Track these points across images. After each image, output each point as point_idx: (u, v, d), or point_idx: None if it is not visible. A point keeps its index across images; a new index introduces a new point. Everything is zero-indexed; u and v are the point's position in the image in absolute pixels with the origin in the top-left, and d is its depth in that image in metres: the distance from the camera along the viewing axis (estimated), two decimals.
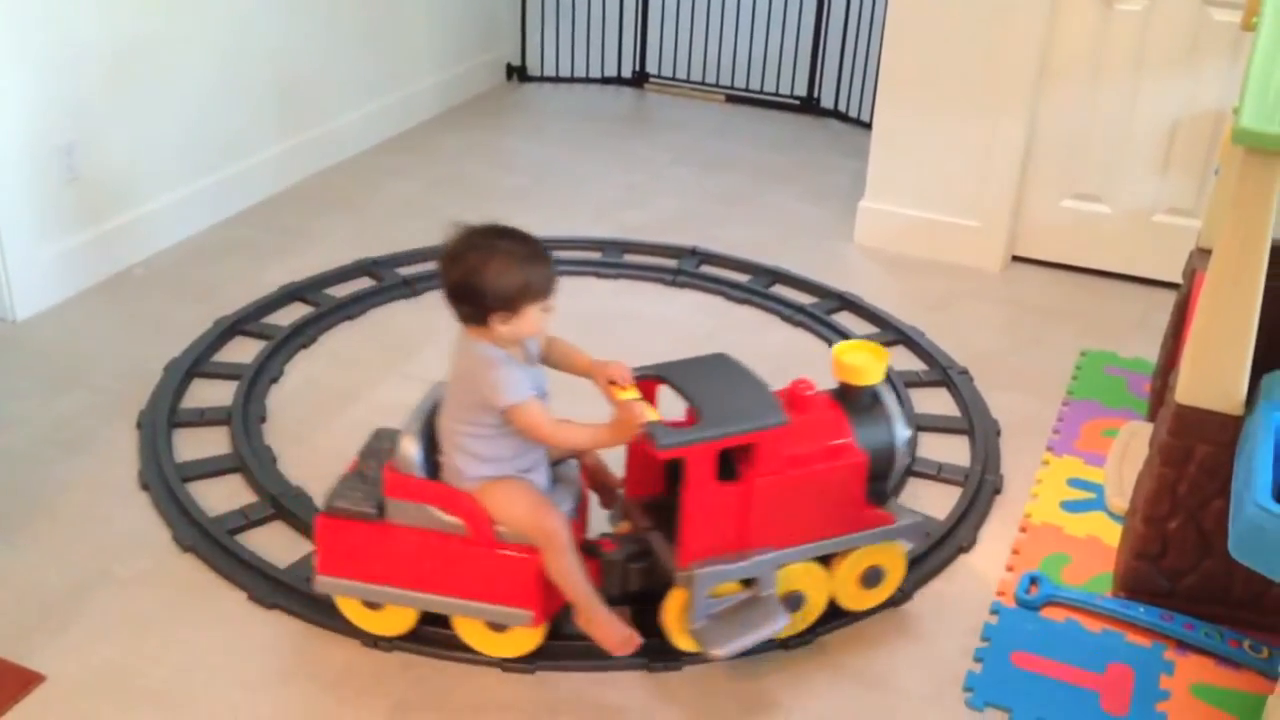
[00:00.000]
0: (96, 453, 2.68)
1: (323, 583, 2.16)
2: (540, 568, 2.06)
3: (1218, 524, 2.15)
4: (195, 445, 2.71)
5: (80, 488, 2.57)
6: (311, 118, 4.17)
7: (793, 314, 3.43)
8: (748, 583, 2.12)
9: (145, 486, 2.57)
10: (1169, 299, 3.04)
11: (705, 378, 2.17)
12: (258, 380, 2.95)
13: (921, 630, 2.30)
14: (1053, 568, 2.44)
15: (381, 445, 2.26)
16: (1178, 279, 3.00)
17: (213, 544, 2.40)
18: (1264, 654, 2.20)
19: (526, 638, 2.15)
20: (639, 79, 5.37)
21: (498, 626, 2.14)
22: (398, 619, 2.18)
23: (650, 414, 2.04)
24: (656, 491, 2.22)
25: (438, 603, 2.13)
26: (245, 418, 2.79)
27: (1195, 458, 2.18)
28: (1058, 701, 2.12)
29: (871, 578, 2.26)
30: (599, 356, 3.27)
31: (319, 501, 2.51)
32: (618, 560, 2.16)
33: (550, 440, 2.08)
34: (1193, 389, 2.15)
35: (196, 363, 3.00)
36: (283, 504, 2.51)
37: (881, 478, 2.23)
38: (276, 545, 2.42)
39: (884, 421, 2.22)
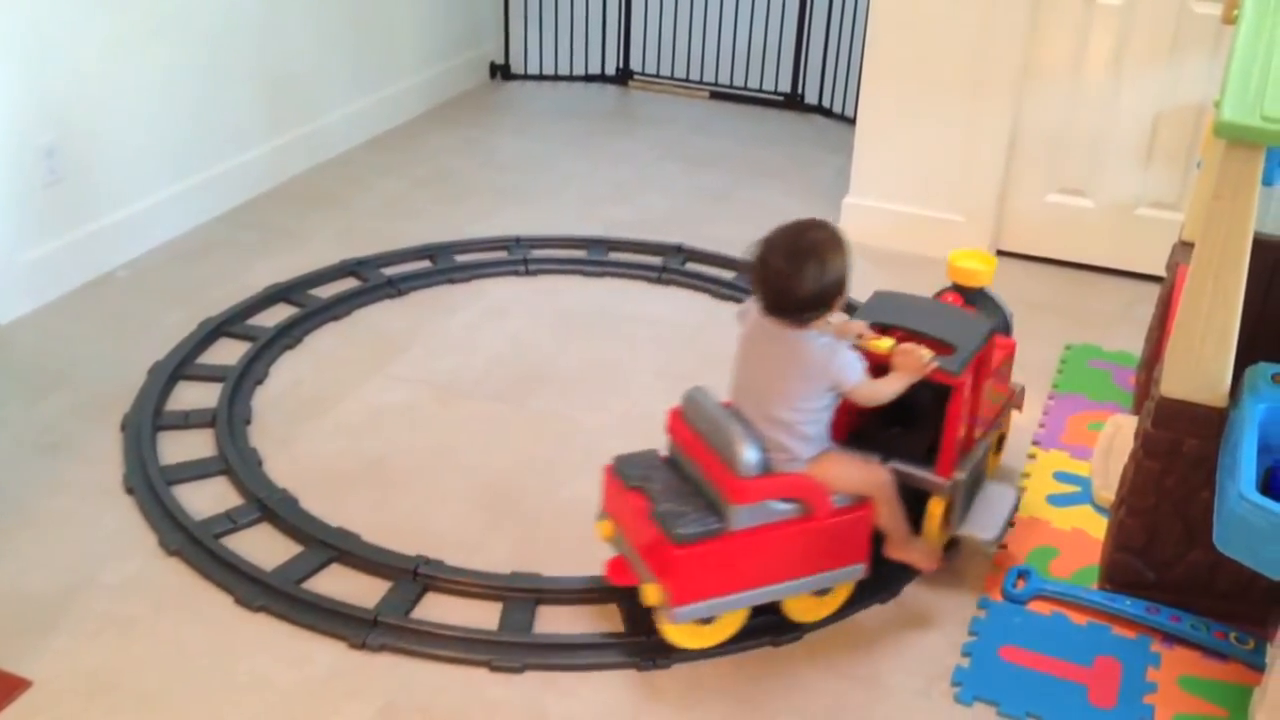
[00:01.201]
0: (80, 456, 2.67)
1: (681, 614, 2.11)
2: (871, 520, 2.22)
3: (1203, 516, 2.15)
4: (180, 448, 2.70)
5: (64, 492, 2.56)
6: (295, 117, 4.16)
7: None
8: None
9: (130, 490, 2.56)
10: (1152, 292, 3.05)
11: (914, 314, 2.43)
12: (243, 382, 2.94)
13: (910, 626, 2.30)
14: (1040, 561, 2.45)
15: (645, 469, 2.23)
16: (1161, 272, 3.01)
17: (198, 547, 2.38)
18: (1250, 645, 2.21)
19: (843, 591, 2.29)
20: (623, 76, 5.37)
21: (823, 591, 2.25)
22: (728, 624, 2.20)
23: (926, 352, 2.24)
24: (842, 437, 2.32)
25: (777, 591, 2.20)
26: (230, 420, 2.78)
27: (1180, 450, 2.19)
28: (1046, 695, 2.13)
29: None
30: (586, 355, 3.28)
31: (305, 504, 2.52)
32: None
33: (882, 400, 2.23)
34: (1177, 382, 2.16)
35: (181, 365, 2.98)
36: (269, 506, 2.50)
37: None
38: (263, 548, 2.41)
39: (998, 309, 2.63)
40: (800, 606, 2.27)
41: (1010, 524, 2.48)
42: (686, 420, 2.26)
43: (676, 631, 2.16)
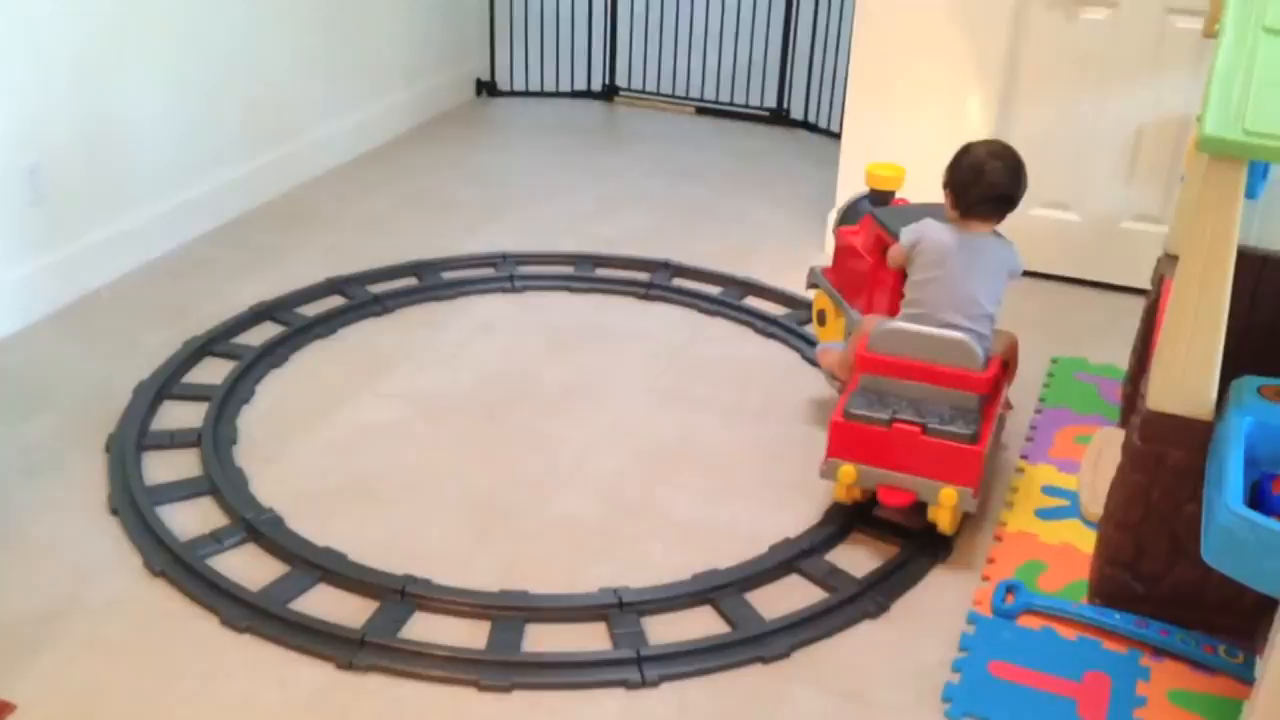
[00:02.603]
0: (65, 477, 2.65)
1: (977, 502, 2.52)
2: None
3: (1191, 529, 2.15)
4: (165, 468, 2.69)
5: (48, 513, 2.54)
6: (280, 135, 4.15)
7: (765, 325, 3.43)
8: None
9: (115, 511, 2.54)
10: (1137, 305, 3.06)
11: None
12: (228, 401, 2.92)
13: (899, 641, 2.29)
14: (1028, 576, 2.45)
15: (868, 408, 2.53)
16: (1146, 285, 3.02)
17: (184, 568, 2.37)
18: (1239, 658, 2.21)
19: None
20: (609, 92, 5.38)
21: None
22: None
23: None
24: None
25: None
26: (216, 439, 2.77)
27: (1167, 463, 2.20)
28: (1036, 710, 2.12)
29: None
30: (573, 371, 3.28)
31: (292, 524, 2.51)
32: None
33: None
34: (1163, 395, 2.17)
35: (166, 384, 2.97)
36: (255, 526, 2.48)
37: None
38: (249, 568, 2.39)
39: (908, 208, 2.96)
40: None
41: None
42: (886, 350, 2.56)
43: (954, 521, 2.50)
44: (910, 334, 2.54)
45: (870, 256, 2.88)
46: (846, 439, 2.53)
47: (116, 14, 3.39)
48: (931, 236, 2.62)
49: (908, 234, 2.65)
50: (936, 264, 2.59)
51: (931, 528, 2.53)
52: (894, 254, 2.71)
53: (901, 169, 3.03)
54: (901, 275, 2.71)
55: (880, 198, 3.03)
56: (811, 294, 3.21)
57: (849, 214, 3.09)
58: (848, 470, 2.53)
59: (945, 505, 2.46)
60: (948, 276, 2.57)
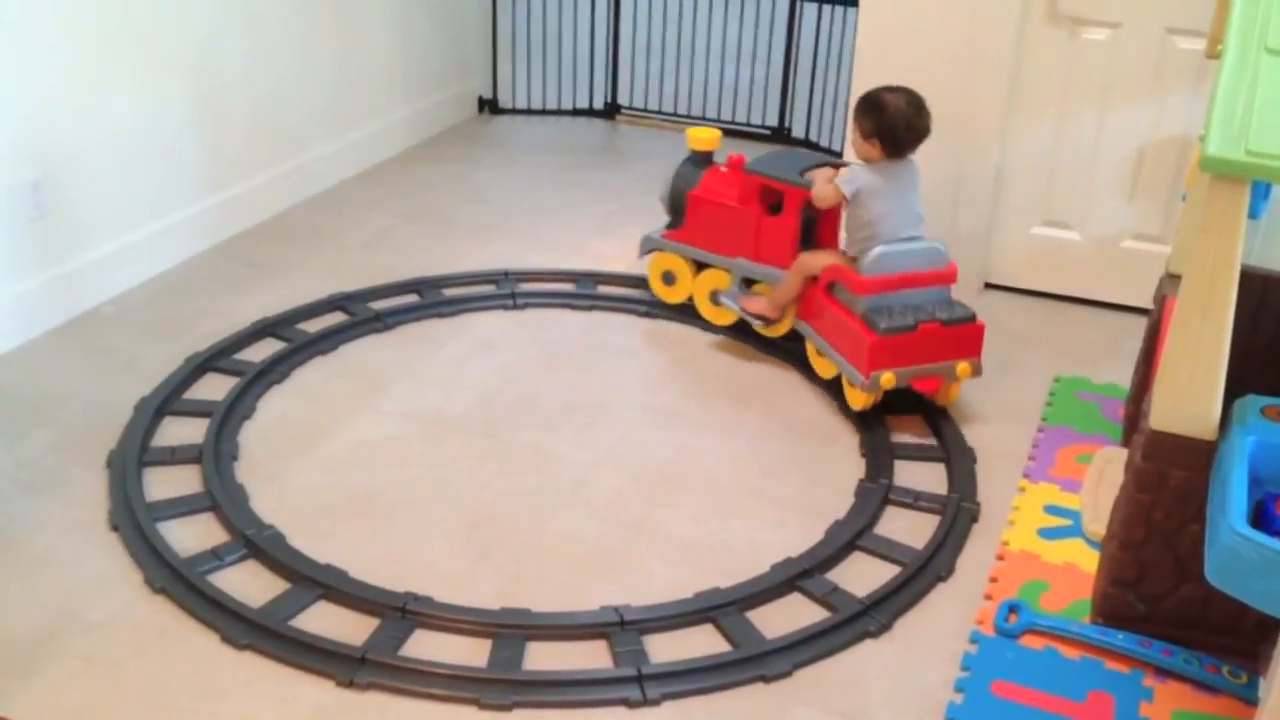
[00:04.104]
0: (65, 493, 2.65)
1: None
2: None
3: (1194, 549, 2.15)
4: (166, 484, 2.68)
5: (49, 529, 2.53)
6: (282, 152, 4.16)
7: (767, 344, 3.43)
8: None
9: (115, 527, 2.54)
10: (1139, 324, 3.06)
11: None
12: (229, 417, 2.92)
13: (901, 661, 2.29)
14: (1031, 595, 2.44)
15: (888, 322, 2.95)
16: (1148, 304, 3.02)
17: (184, 585, 2.36)
18: (1243, 679, 2.20)
19: None
20: (610, 111, 5.39)
21: None
22: None
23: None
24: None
25: None
26: (217, 456, 2.77)
27: (1170, 483, 2.19)
28: None
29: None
30: (574, 389, 3.27)
31: (292, 540, 2.50)
32: None
33: None
34: (1166, 414, 2.16)
35: (167, 400, 2.97)
36: (256, 543, 2.48)
37: None
38: (249, 585, 2.39)
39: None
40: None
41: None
42: (881, 272, 2.99)
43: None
44: (896, 253, 3.01)
45: (751, 206, 3.30)
46: (884, 351, 2.93)
47: (118, 31, 3.40)
48: (865, 181, 3.03)
49: (846, 185, 3.03)
50: (880, 200, 3.02)
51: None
52: (827, 196, 3.10)
53: (716, 132, 3.53)
54: (796, 215, 3.21)
55: (701, 158, 3.50)
56: (646, 262, 3.59)
57: (682, 179, 3.50)
58: (889, 377, 2.94)
59: (961, 378, 3.03)
60: (892, 206, 3.03)
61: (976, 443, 2.97)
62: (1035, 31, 3.52)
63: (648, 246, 3.55)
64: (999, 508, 2.74)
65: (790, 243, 3.25)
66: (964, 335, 3.01)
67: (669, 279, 3.55)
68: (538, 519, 2.65)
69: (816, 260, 3.16)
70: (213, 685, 2.15)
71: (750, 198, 3.32)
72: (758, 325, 3.34)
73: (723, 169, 3.44)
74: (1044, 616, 2.37)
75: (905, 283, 3.01)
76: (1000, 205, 3.73)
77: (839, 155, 4.01)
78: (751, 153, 3.36)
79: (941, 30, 3.54)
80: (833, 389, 3.18)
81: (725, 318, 3.48)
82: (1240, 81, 2.04)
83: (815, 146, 5.03)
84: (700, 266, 3.49)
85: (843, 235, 3.27)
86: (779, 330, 3.34)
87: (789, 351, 3.37)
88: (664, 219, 3.60)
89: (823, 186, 3.12)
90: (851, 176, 3.05)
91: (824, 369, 3.23)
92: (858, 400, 3.03)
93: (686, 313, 3.57)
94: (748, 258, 3.34)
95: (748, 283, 3.40)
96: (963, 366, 3.00)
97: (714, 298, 3.47)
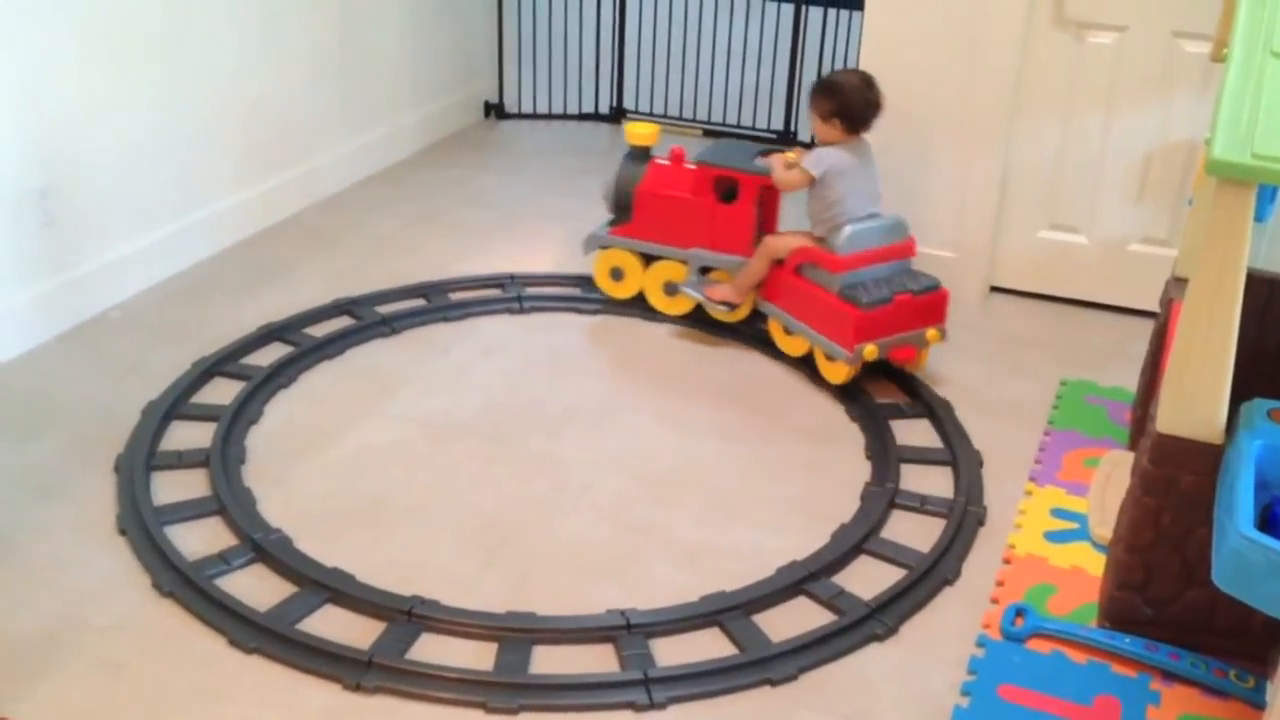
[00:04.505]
0: (73, 497, 2.66)
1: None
2: None
3: (1201, 553, 2.15)
4: (174, 488, 2.69)
5: (57, 533, 2.54)
6: (289, 157, 4.17)
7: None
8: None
9: (123, 531, 2.54)
10: (1146, 327, 3.06)
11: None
12: (237, 421, 2.93)
13: (908, 665, 2.28)
14: (1038, 599, 2.44)
15: (865, 296, 3.11)
16: (1154, 308, 3.01)
17: (192, 588, 2.37)
18: (1250, 683, 2.20)
19: None
20: (616, 115, 5.39)
21: None
22: None
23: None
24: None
25: None
26: (224, 460, 2.77)
27: (1177, 487, 2.19)
28: None
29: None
30: (580, 393, 3.27)
31: (299, 544, 2.51)
32: None
33: None
34: (1173, 418, 2.16)
35: (175, 405, 2.97)
36: (263, 547, 2.48)
37: None
38: (257, 589, 2.39)
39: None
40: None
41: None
42: (855, 250, 3.14)
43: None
44: (867, 230, 3.16)
45: (705, 197, 3.41)
46: (866, 324, 3.08)
47: (125, 38, 3.41)
48: (832, 161, 3.17)
49: (813, 167, 3.16)
50: (845, 179, 3.16)
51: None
52: (794, 181, 3.22)
53: (655, 127, 3.62)
54: (754, 202, 3.37)
55: (641, 154, 3.59)
56: (592, 259, 3.63)
57: (626, 175, 3.57)
58: (871, 349, 3.09)
59: (930, 343, 3.22)
60: (856, 184, 3.18)
61: (983, 446, 2.97)
62: (1041, 35, 3.52)
63: (595, 244, 3.60)
64: (1005, 511, 2.74)
65: (748, 229, 3.39)
66: (932, 303, 3.20)
67: (617, 275, 3.61)
68: (544, 523, 2.65)
69: (783, 243, 3.29)
70: (220, 688, 2.15)
71: (703, 189, 3.43)
72: (719, 311, 3.43)
73: (663, 162, 3.53)
74: (1051, 620, 2.36)
75: (876, 258, 3.18)
76: (1006, 209, 3.73)
77: None
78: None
79: (946, 34, 3.55)
80: (834, 389, 3.18)
81: (678, 308, 3.56)
82: (1246, 85, 2.04)
83: None
84: (649, 260, 3.56)
85: (782, 220, 3.51)
86: (739, 315, 3.44)
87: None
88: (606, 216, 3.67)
89: (783, 173, 3.24)
90: (818, 158, 3.18)
91: (792, 347, 3.34)
92: (839, 374, 3.15)
93: (692, 317, 3.57)
94: (704, 247, 3.45)
95: (703, 271, 3.49)
96: (932, 333, 3.19)
97: (669, 288, 3.53)
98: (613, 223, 3.63)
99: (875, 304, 3.09)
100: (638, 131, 3.60)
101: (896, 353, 3.17)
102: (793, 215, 3.51)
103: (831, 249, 3.16)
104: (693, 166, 3.49)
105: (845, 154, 3.19)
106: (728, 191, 3.44)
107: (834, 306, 3.12)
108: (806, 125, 5.07)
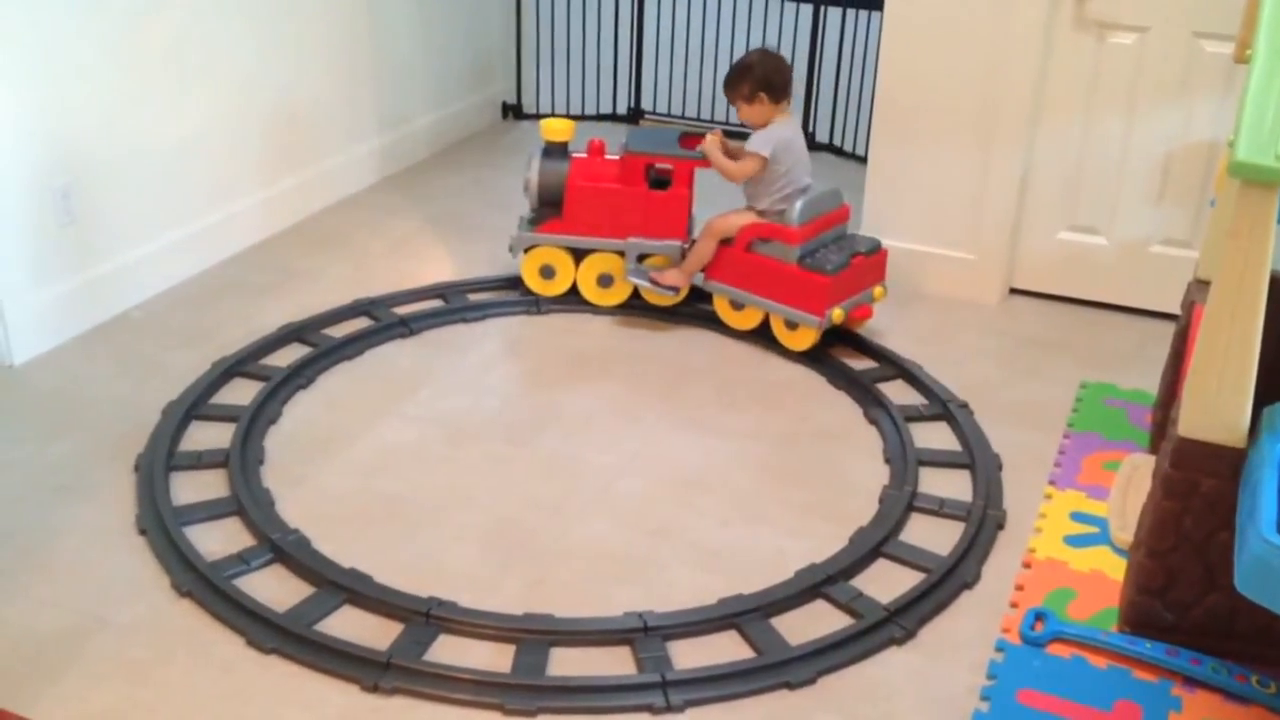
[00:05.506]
0: (93, 497, 2.67)
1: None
2: None
3: (1223, 558, 2.13)
4: (193, 488, 2.70)
5: (76, 532, 2.55)
6: (308, 158, 4.18)
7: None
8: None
9: (142, 531, 2.55)
10: (1167, 330, 3.04)
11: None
12: (256, 422, 2.94)
13: (927, 669, 2.28)
14: (1058, 603, 2.43)
15: (825, 266, 3.27)
16: (1175, 310, 3.00)
17: (210, 589, 2.38)
18: (1271, 689, 2.18)
19: None
20: (634, 115, 5.39)
21: None
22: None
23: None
24: None
25: None
26: (243, 460, 2.78)
27: (1199, 491, 2.17)
28: None
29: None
30: (597, 394, 3.27)
31: (318, 545, 2.51)
32: None
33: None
34: (1194, 422, 2.15)
35: (194, 405, 2.98)
36: (281, 547, 2.49)
37: None
38: (275, 589, 2.40)
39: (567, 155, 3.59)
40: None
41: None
42: (805, 221, 3.30)
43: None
44: (814, 200, 3.33)
45: (637, 186, 3.46)
46: (834, 289, 3.25)
47: (145, 40, 3.42)
48: (779, 136, 3.31)
49: (762, 148, 3.29)
50: (791, 151, 3.32)
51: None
52: (747, 170, 3.33)
53: (570, 123, 3.61)
54: (689, 187, 3.48)
55: (559, 149, 3.57)
56: (519, 261, 3.60)
57: (550, 171, 3.54)
58: (838, 312, 3.27)
59: (878, 300, 3.43)
60: (796, 155, 3.34)
61: (1002, 449, 2.95)
62: (1062, 35, 3.50)
63: (524, 244, 3.57)
64: (1025, 515, 2.72)
65: (684, 215, 3.49)
66: (877, 263, 3.42)
67: (548, 273, 3.60)
68: (561, 524, 2.65)
69: (729, 222, 3.40)
70: (238, 689, 2.16)
71: (634, 178, 3.48)
72: (664, 296, 3.51)
73: (581, 156, 3.56)
74: (1071, 625, 2.35)
75: (821, 226, 3.36)
76: (1026, 210, 3.71)
77: (863, 161, 4.00)
78: None
79: (967, 34, 3.53)
80: (851, 390, 3.17)
81: (614, 298, 3.60)
82: (1270, 86, 2.03)
83: (839, 151, 5.02)
84: (579, 255, 3.57)
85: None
86: (680, 297, 3.53)
87: (811, 359, 3.36)
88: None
89: (731, 164, 3.37)
90: (765, 138, 3.31)
91: (741, 321, 3.48)
92: (804, 341, 3.33)
93: (710, 318, 3.57)
94: (640, 235, 3.49)
95: (640, 259, 3.53)
96: (878, 290, 3.41)
97: (602, 280, 3.57)
98: (537, 220, 3.60)
99: (839, 269, 3.25)
100: (554, 127, 3.58)
101: (856, 313, 3.36)
102: (706, 195, 3.66)
103: (785, 222, 3.30)
104: (615, 158, 3.53)
105: (784, 127, 3.33)
106: (657, 180, 3.50)
107: (798, 276, 3.26)
108: (825, 126, 5.08)
